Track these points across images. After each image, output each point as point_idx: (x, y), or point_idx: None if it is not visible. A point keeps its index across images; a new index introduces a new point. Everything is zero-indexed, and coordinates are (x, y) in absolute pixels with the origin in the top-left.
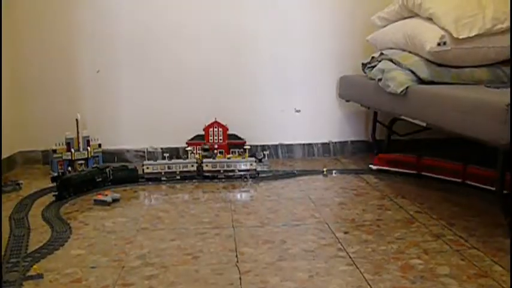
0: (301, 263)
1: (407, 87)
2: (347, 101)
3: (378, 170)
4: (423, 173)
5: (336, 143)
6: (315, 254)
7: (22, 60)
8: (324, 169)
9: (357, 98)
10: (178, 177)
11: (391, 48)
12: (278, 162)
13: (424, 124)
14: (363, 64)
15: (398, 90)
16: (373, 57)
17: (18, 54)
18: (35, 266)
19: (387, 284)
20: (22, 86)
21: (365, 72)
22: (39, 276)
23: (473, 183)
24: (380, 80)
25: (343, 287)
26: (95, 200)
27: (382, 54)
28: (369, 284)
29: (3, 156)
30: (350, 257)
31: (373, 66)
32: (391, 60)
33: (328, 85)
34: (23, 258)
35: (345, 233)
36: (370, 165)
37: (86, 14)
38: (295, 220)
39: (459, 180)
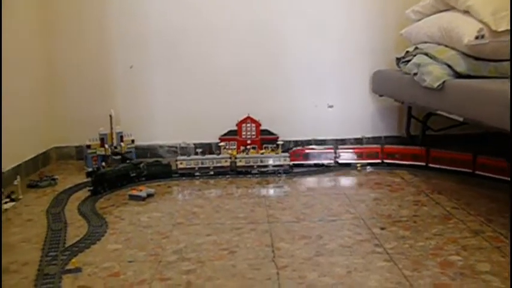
0: (338, 258)
1: (443, 82)
2: (380, 96)
3: (412, 166)
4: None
5: (369, 138)
6: (352, 249)
7: (56, 57)
8: (358, 164)
9: (390, 92)
10: (211, 172)
11: (426, 42)
12: None
13: (461, 119)
14: (397, 58)
15: (435, 85)
16: (407, 52)
17: (52, 52)
18: (73, 260)
19: (427, 281)
20: (56, 83)
21: (399, 67)
22: (78, 269)
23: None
24: (415, 74)
25: (382, 283)
26: (129, 195)
27: (416, 48)
28: (408, 281)
29: (39, 151)
30: (387, 253)
31: (408, 61)
32: (426, 54)
33: (361, 80)
34: (62, 252)
35: (382, 228)
36: None
37: (119, 12)
38: (330, 215)
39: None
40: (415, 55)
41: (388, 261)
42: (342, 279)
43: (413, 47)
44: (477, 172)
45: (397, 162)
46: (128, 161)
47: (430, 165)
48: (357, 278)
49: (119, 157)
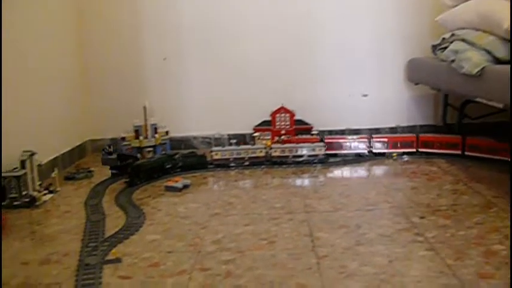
0: (378, 247)
1: (482, 68)
2: (416, 84)
3: (448, 154)
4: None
5: (404, 127)
6: (392, 238)
7: (90, 50)
8: (394, 154)
9: (426, 80)
10: (246, 163)
11: (463, 28)
12: None
13: (501, 106)
14: (432, 46)
15: (474, 71)
16: (443, 39)
17: (86, 44)
18: (113, 251)
19: (470, 270)
20: (90, 76)
21: (435, 54)
22: (118, 260)
23: None
24: (453, 61)
25: (425, 272)
26: (166, 186)
27: (453, 35)
28: (451, 270)
29: (75, 144)
30: (429, 242)
31: (445, 48)
32: (464, 41)
33: (396, 68)
34: (101, 243)
35: (421, 218)
36: None
37: (152, 3)
38: (368, 205)
39: None
40: (452, 42)
41: (429, 251)
42: (384, 269)
43: (450, 33)
44: None
45: (433, 151)
46: (121, 159)
47: (467, 153)
48: (398, 267)
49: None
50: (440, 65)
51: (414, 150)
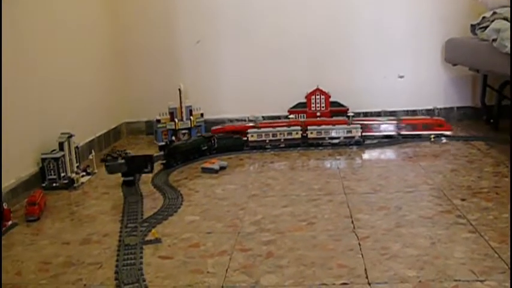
0: (420, 229)
1: None
2: (454, 65)
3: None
4: None
5: (441, 109)
6: (434, 220)
7: (124, 34)
8: (432, 136)
9: (465, 61)
10: (282, 145)
11: (504, 7)
12: None
13: None
14: (471, 25)
15: None
16: (484, 17)
17: (119, 29)
18: (153, 231)
19: None
20: (125, 59)
21: (475, 34)
22: (158, 240)
23: None
24: (494, 40)
25: (469, 255)
26: (202, 168)
27: (495, 13)
28: (496, 252)
29: (111, 127)
30: (471, 224)
31: (485, 27)
32: (506, 19)
33: (433, 49)
34: (140, 224)
35: (462, 200)
36: None
37: None
38: (407, 187)
39: None
40: (493, 20)
41: (472, 233)
42: (427, 251)
43: (491, 12)
44: None
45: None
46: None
47: None
48: (441, 250)
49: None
50: (480, 45)
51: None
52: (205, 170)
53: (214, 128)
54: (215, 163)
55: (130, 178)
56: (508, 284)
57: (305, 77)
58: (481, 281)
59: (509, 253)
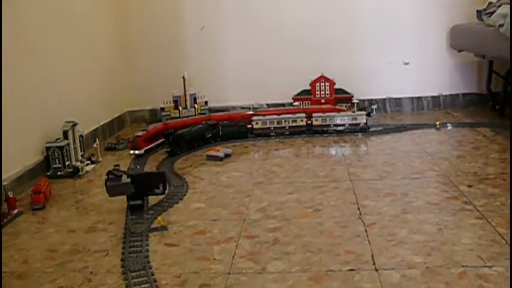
0: (427, 216)
1: None
2: (459, 51)
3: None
4: None
5: (446, 96)
6: (440, 207)
7: (127, 23)
8: (437, 122)
9: (471, 47)
10: (287, 132)
11: None
12: (386, 116)
13: None
14: (477, 11)
15: None
16: (490, 3)
17: (123, 17)
18: (159, 218)
19: None
20: (129, 48)
21: (481, 20)
22: (164, 228)
23: None
24: (501, 26)
25: (476, 241)
26: (207, 156)
27: None
28: (503, 238)
29: (114, 115)
30: (478, 211)
31: (491, 13)
32: None
33: (438, 35)
34: (146, 212)
35: (469, 186)
36: None
37: None
38: (413, 173)
39: None
40: (499, 6)
41: (479, 219)
42: (434, 237)
43: None
44: None
45: None
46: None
47: None
48: (448, 236)
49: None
50: (487, 31)
51: None
52: (210, 158)
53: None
54: (220, 151)
55: (139, 202)
56: None
57: (310, 64)
58: (488, 267)
59: None
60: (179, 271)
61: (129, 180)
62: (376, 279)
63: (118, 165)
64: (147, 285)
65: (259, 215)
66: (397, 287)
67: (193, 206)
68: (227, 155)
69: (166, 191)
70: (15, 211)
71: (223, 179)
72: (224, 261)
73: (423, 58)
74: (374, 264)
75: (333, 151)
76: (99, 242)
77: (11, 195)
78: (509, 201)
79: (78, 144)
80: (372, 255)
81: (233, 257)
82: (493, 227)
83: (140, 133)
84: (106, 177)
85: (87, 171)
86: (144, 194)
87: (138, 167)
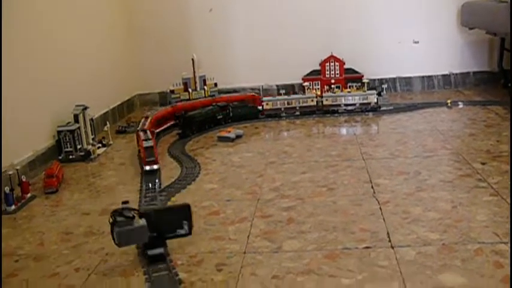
0: (441, 193)
1: None
2: (470, 28)
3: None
4: None
5: (457, 74)
6: (454, 184)
7: (136, 6)
8: (448, 101)
9: (482, 24)
10: (298, 112)
11: None
12: (397, 96)
13: None
14: None
15: None
16: None
17: (132, 1)
18: (173, 199)
19: None
20: (137, 31)
21: None
22: None
23: None
24: None
25: (491, 217)
26: (218, 137)
27: None
28: None
29: (124, 99)
30: (493, 188)
31: None
32: None
33: (448, 13)
34: (159, 193)
35: (482, 163)
36: None
37: None
38: (426, 151)
39: None
40: None
41: (494, 196)
42: (448, 214)
43: None
44: None
45: None
46: None
47: None
48: (463, 213)
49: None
50: (499, 7)
51: None
52: (221, 139)
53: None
54: (231, 132)
55: (159, 251)
56: None
57: (319, 44)
58: (504, 243)
59: None
60: (195, 251)
61: (144, 222)
62: (392, 257)
63: (127, 201)
64: (163, 265)
65: (273, 194)
66: (413, 263)
67: (206, 187)
68: (238, 136)
69: (192, 230)
70: (29, 195)
71: (235, 160)
72: (239, 240)
73: (433, 36)
74: (390, 241)
75: (344, 131)
76: None
77: (24, 180)
78: None
79: (89, 128)
80: (388, 233)
81: (248, 236)
82: (508, 203)
83: (150, 142)
84: (111, 219)
85: (98, 155)
86: (164, 237)
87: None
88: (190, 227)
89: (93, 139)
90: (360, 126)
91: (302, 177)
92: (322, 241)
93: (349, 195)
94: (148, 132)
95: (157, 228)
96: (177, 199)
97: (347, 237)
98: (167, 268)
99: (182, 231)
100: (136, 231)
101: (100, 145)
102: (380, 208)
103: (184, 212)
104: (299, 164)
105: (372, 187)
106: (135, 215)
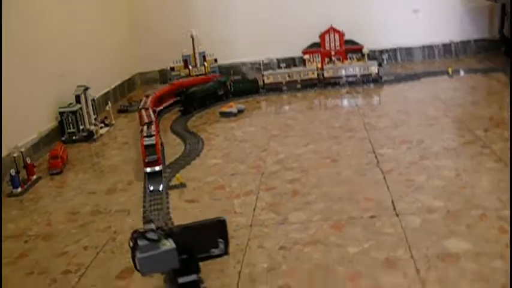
0: (444, 161)
1: None
2: None
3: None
4: None
5: (457, 42)
6: (457, 152)
7: None
8: (449, 69)
9: None
10: (299, 85)
11: None
12: (398, 66)
13: None
14: None
15: None
16: None
17: None
18: (177, 176)
19: None
20: (136, 9)
21: None
22: (183, 185)
23: None
24: None
25: (495, 184)
26: (220, 112)
27: None
28: None
29: (125, 78)
30: (496, 154)
31: None
32: None
33: None
34: (164, 170)
35: (485, 131)
36: None
37: None
38: (428, 120)
39: None
40: None
41: (497, 162)
42: (453, 182)
43: None
44: None
45: None
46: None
47: None
48: (467, 180)
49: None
50: None
51: None
52: (224, 114)
53: None
54: (233, 107)
55: (193, 278)
56: None
57: (318, 16)
58: (508, 209)
59: None
60: None
61: (172, 244)
62: (398, 225)
63: (151, 220)
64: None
65: (277, 167)
66: (419, 231)
67: (211, 162)
68: (240, 111)
69: (228, 249)
70: (34, 177)
71: (238, 134)
72: (245, 213)
73: (433, 4)
74: (394, 209)
75: (346, 102)
76: (119, 202)
77: (28, 162)
78: None
79: (91, 108)
80: (392, 201)
81: (254, 209)
82: None
83: (152, 140)
84: (131, 243)
85: (101, 135)
86: (196, 259)
87: None
88: (227, 244)
89: (95, 119)
90: (362, 97)
91: (305, 149)
92: (327, 212)
93: (353, 166)
94: (152, 126)
95: (189, 249)
96: (182, 175)
97: (352, 206)
98: None
99: (217, 251)
100: (164, 255)
101: (102, 125)
102: (384, 177)
103: (220, 228)
104: (302, 137)
105: (376, 157)
106: (160, 235)
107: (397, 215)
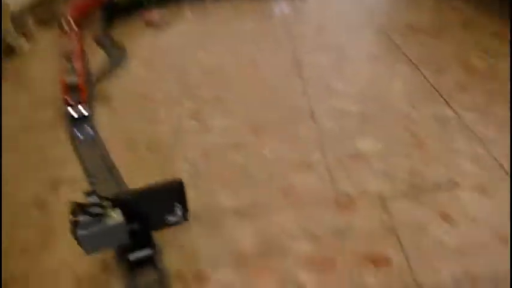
0: (363, 66)
1: None
2: None
3: None
4: None
5: None
6: (376, 57)
7: None
8: None
9: None
10: None
11: None
12: None
13: None
14: None
15: None
16: None
17: None
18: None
19: (448, 79)
20: None
21: None
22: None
23: None
24: None
25: (406, 87)
26: (144, 22)
27: None
28: (429, 82)
29: None
30: (410, 60)
31: None
32: None
33: None
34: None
35: (404, 37)
36: None
37: None
38: (351, 27)
39: None
40: None
41: (411, 67)
42: (368, 87)
43: None
44: None
45: None
46: None
47: None
48: (380, 85)
49: None
50: None
51: None
52: (148, 24)
53: None
54: (156, 16)
55: (148, 252)
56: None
57: None
58: (417, 110)
59: (442, 82)
60: (127, 135)
61: (119, 217)
62: (314, 129)
63: (94, 191)
64: (98, 152)
65: (201, 76)
66: (333, 134)
67: (136, 72)
68: (164, 21)
69: (188, 215)
70: None
71: (162, 45)
72: (170, 122)
73: None
74: (312, 115)
75: (269, 10)
76: (40, 120)
77: None
78: (439, 49)
79: (10, 23)
80: (310, 107)
81: (179, 117)
82: (422, 73)
83: (75, 79)
84: (72, 217)
85: (24, 50)
86: (149, 230)
87: None
88: (186, 210)
89: (15, 32)
90: (286, 6)
91: (229, 58)
92: (248, 118)
93: (274, 73)
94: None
95: (142, 218)
96: (107, 86)
97: (273, 112)
98: (160, 277)
99: (174, 219)
100: (111, 231)
101: (24, 39)
102: (303, 84)
103: (176, 191)
104: (226, 46)
105: (297, 64)
106: (105, 206)
107: (314, 120)
